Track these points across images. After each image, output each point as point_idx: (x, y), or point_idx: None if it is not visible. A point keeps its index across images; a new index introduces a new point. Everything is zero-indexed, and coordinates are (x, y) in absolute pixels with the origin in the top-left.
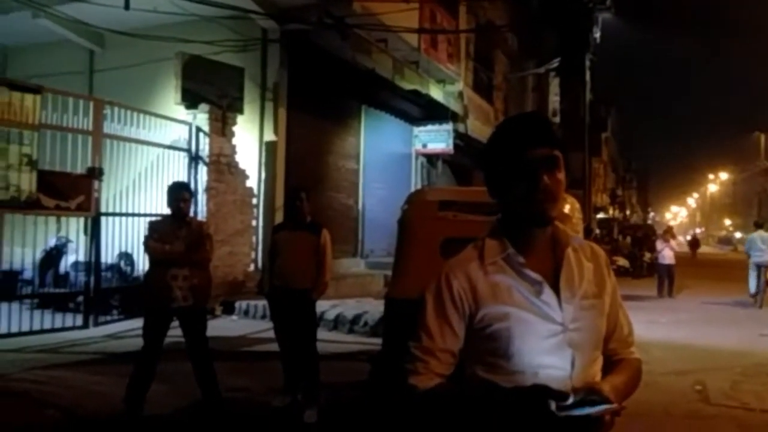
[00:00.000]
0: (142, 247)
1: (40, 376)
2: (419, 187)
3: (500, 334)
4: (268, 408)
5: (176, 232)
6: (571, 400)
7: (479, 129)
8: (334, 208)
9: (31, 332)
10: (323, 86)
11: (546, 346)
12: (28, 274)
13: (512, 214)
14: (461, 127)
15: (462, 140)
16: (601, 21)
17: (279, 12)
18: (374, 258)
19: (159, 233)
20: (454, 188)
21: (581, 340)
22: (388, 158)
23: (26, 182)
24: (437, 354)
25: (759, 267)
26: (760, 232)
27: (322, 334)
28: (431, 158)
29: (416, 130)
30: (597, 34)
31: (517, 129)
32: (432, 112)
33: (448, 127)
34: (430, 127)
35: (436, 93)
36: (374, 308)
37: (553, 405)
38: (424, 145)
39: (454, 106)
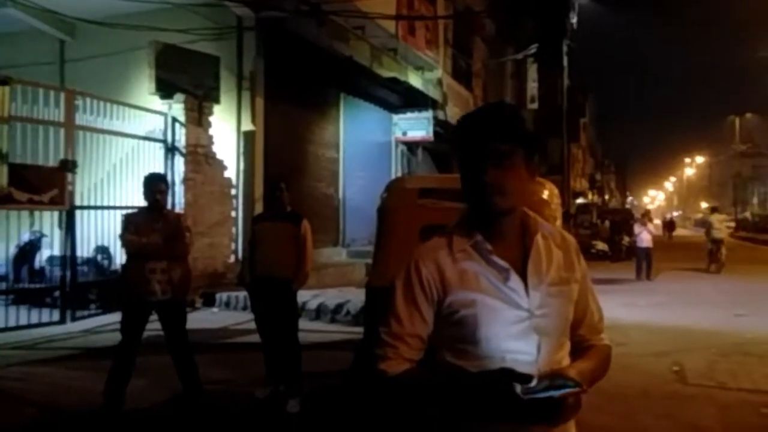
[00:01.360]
0: (119, 241)
1: (17, 373)
2: (399, 175)
3: (467, 320)
4: (251, 399)
5: (153, 225)
6: (534, 383)
7: (458, 116)
8: (315, 198)
9: (7, 329)
10: (301, 74)
11: (513, 332)
12: (1, 270)
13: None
14: (441, 115)
15: (441, 127)
16: (578, 6)
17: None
18: (355, 247)
19: (135, 226)
20: (432, 176)
21: (548, 326)
22: (368, 146)
23: None
24: (406, 339)
25: (715, 242)
26: (716, 215)
27: (304, 323)
28: (411, 146)
29: (396, 117)
30: (574, 20)
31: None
32: (411, 100)
33: (428, 114)
34: (409, 114)
35: (414, 80)
36: (356, 297)
37: (518, 388)
38: (404, 133)
39: (434, 93)
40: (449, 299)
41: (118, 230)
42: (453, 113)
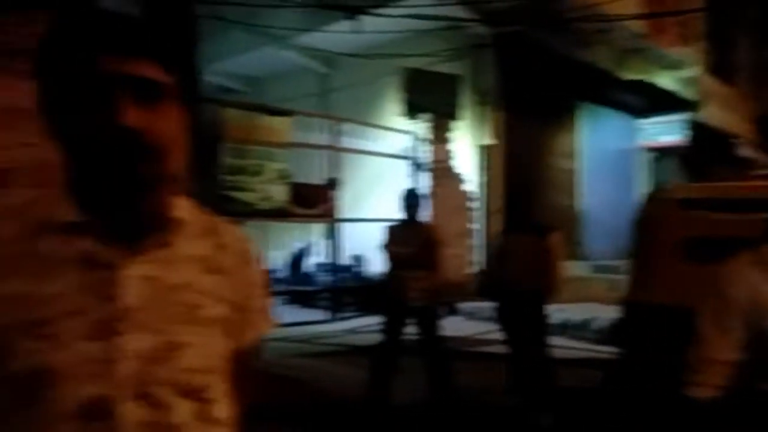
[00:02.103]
0: (372, 250)
1: (297, 364)
2: (646, 184)
3: None
4: (500, 408)
5: (410, 236)
6: None
7: (719, 116)
8: (553, 209)
9: (285, 324)
10: (537, 85)
11: None
12: (281, 274)
13: None
14: (696, 117)
15: (696, 131)
16: None
17: (491, 16)
18: (597, 261)
19: (395, 237)
20: (698, 185)
21: None
22: (609, 155)
23: (280, 194)
24: (716, 365)
25: None
26: None
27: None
28: (660, 153)
29: (641, 123)
30: None
31: None
32: (660, 103)
33: (680, 117)
34: (657, 118)
35: (664, 81)
36: (601, 314)
37: None
38: (652, 139)
39: (687, 93)
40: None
41: (372, 241)
42: (712, 114)
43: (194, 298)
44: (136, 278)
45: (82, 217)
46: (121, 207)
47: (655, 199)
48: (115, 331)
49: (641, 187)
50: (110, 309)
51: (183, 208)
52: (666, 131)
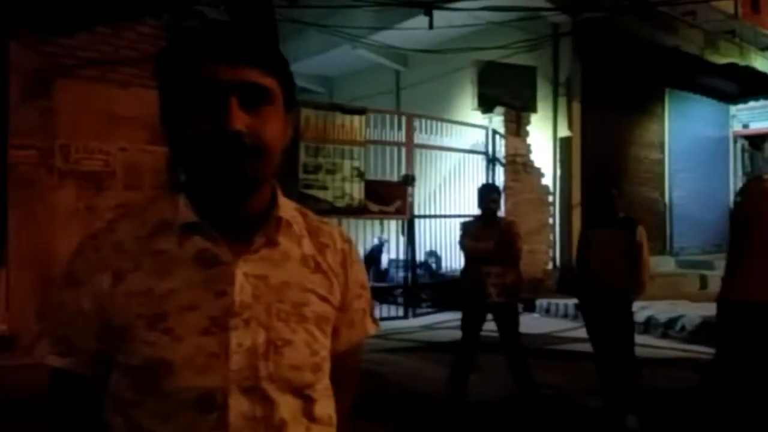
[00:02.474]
0: (447, 246)
1: (375, 359)
2: (739, 174)
3: None
4: (583, 408)
5: (487, 232)
6: None
7: None
8: (637, 203)
9: None
10: (620, 74)
11: None
12: None
13: None
14: None
15: None
16: None
17: (571, 4)
18: (685, 256)
19: (472, 233)
20: None
21: None
22: (698, 144)
23: (357, 191)
24: None
25: None
26: None
27: None
28: (755, 140)
29: (734, 109)
30: None
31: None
32: (755, 87)
33: None
34: (752, 104)
35: (760, 63)
36: (691, 311)
37: None
38: (745, 126)
39: None
40: None
41: (448, 237)
42: None
43: (300, 297)
44: (246, 276)
45: (196, 217)
46: (230, 207)
47: (753, 191)
48: (227, 327)
49: (734, 177)
50: (223, 305)
51: (288, 207)
52: (762, 117)
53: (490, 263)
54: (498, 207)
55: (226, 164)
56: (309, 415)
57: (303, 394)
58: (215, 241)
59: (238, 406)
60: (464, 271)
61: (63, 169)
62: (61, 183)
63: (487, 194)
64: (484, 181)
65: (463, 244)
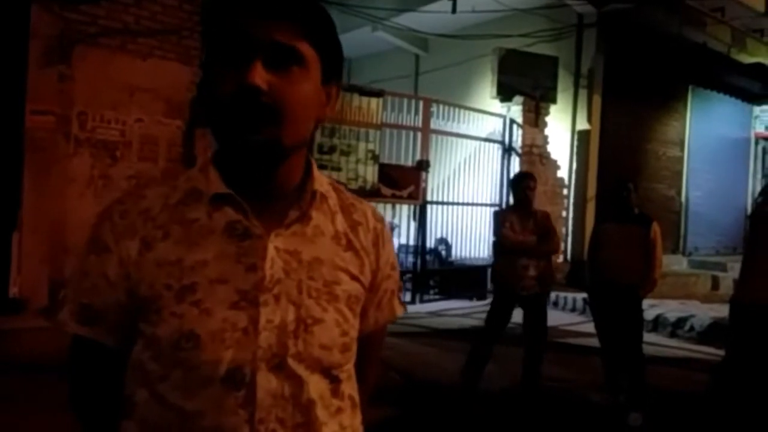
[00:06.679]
0: (458, 233)
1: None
2: (758, 177)
3: None
4: (586, 403)
5: (526, 223)
6: None
7: None
8: (653, 200)
9: None
10: (643, 68)
11: None
12: None
13: None
14: None
15: None
16: None
17: None
18: (699, 256)
19: (510, 222)
20: None
21: None
22: (719, 144)
23: (370, 174)
24: None
25: None
26: None
27: None
28: None
29: (757, 109)
30: None
31: None
32: None
33: None
34: None
35: None
36: (701, 312)
37: None
38: (767, 128)
39: None
40: None
41: (459, 224)
42: None
43: (332, 275)
44: (278, 250)
45: (227, 189)
46: (259, 177)
47: None
48: (257, 302)
49: (753, 180)
50: (253, 279)
51: (323, 182)
52: None
53: (530, 255)
54: (534, 195)
55: (240, 122)
56: (337, 396)
57: (331, 374)
58: (246, 214)
59: (266, 383)
60: (498, 261)
61: (80, 137)
62: (76, 150)
63: (524, 182)
64: (499, 171)
65: (501, 233)
